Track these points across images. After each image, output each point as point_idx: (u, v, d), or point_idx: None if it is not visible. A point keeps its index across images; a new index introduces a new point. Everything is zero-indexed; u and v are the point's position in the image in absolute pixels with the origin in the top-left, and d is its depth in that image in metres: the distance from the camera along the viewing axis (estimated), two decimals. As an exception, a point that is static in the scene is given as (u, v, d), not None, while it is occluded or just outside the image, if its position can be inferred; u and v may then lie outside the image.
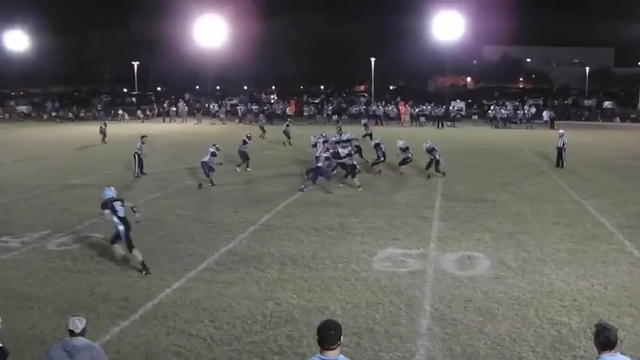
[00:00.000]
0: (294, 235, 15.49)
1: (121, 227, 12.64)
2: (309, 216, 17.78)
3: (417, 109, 60.75)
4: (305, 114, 64.00)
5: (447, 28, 66.75)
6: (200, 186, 22.57)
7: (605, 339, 5.57)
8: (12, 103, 72.99)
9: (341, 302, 10.92)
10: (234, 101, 72.22)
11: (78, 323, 6.28)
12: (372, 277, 12.22)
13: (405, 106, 63.37)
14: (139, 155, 25.27)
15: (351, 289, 11.55)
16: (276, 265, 13.07)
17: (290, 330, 9.74)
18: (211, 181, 22.73)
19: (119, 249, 13.15)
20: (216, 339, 9.43)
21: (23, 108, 71.93)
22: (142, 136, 26.18)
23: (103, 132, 38.88)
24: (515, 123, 56.81)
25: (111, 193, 13.03)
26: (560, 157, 27.93)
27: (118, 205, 12.81)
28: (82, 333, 6.30)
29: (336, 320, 5.80)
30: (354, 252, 14.01)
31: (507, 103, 66.10)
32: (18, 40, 74.27)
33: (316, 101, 73.27)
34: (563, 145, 27.82)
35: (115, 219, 12.67)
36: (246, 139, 26.77)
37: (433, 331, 9.65)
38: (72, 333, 6.25)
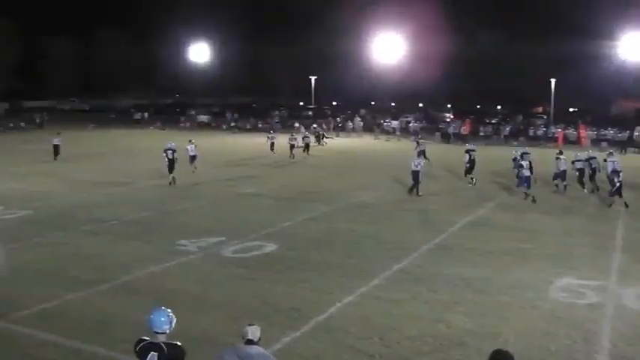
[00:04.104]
0: (468, 258, 15.20)
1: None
2: (484, 239, 17.45)
3: (597, 133, 57.51)
4: (481, 134, 62.48)
5: (635, 49, 62.88)
6: (534, 200, 23.09)
7: None
8: (193, 112, 77.54)
9: (514, 330, 10.64)
10: (408, 118, 71.86)
11: (256, 332, 6.45)
12: (548, 307, 11.81)
13: (586, 130, 60.07)
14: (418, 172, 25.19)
15: (525, 317, 11.25)
16: (449, 286, 12.92)
17: (460, 354, 9.61)
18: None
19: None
20: (385, 357, 9.41)
21: (203, 117, 76.19)
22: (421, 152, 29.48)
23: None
24: None
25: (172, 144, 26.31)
26: None
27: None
28: (258, 342, 6.37)
29: (507, 351, 5.49)
30: (529, 278, 13.60)
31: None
32: (201, 53, 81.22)
33: (493, 121, 70.86)
34: None
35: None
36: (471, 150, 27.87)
37: (612, 369, 8.98)
38: (250, 341, 6.32)
